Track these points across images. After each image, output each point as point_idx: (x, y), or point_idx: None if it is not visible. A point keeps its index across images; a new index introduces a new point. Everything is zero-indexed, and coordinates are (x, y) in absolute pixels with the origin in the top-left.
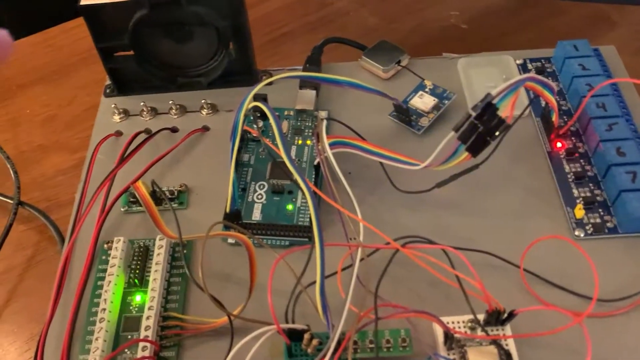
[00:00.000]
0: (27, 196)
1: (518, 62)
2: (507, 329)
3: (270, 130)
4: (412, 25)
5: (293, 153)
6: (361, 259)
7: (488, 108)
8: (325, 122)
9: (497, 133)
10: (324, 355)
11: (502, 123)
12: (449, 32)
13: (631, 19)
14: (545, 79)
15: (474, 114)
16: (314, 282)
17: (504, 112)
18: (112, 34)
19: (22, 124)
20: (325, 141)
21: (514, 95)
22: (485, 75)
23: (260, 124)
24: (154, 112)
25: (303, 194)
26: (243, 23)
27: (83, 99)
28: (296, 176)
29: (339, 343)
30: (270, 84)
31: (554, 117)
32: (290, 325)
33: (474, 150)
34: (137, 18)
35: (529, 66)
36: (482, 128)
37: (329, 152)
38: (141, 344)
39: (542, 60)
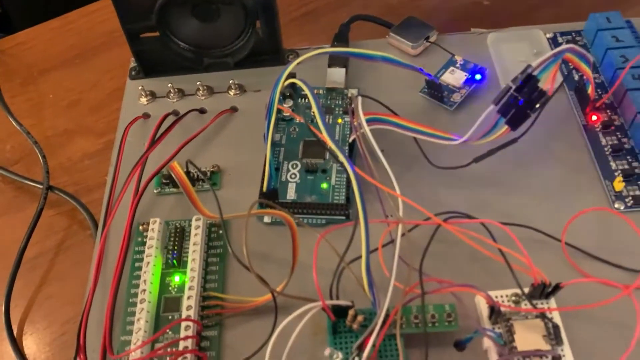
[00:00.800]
0: (55, 181)
1: (548, 35)
2: (552, 303)
3: (301, 109)
4: (435, 2)
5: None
6: (402, 235)
7: (528, 80)
8: (360, 98)
9: (537, 105)
10: (372, 330)
11: (543, 95)
12: (472, 9)
13: None
14: (584, 51)
15: (514, 86)
16: (356, 259)
17: (544, 83)
18: (139, 15)
19: (46, 108)
20: (362, 117)
21: (554, 66)
22: (515, 50)
23: (291, 102)
24: (181, 93)
25: (339, 172)
26: (271, 1)
27: (106, 82)
28: (340, 156)
29: (384, 320)
30: (298, 63)
31: (590, 90)
32: (335, 302)
33: (514, 124)
34: None
35: (560, 40)
36: (523, 100)
37: (367, 128)
38: (184, 324)
39: (573, 34)
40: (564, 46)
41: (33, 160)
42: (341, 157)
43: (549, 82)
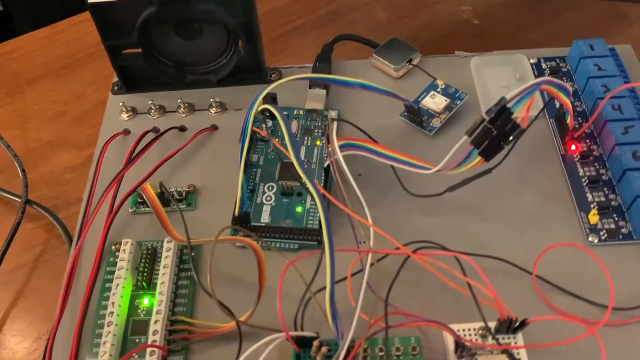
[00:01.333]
0: (35, 193)
1: (532, 61)
2: (519, 338)
3: (280, 130)
4: (423, 20)
5: (302, 154)
6: (371, 264)
7: (502, 112)
8: (335, 123)
9: (511, 138)
10: None
11: (517, 127)
12: (461, 28)
13: None
14: (561, 82)
15: (487, 118)
16: (324, 288)
17: (518, 116)
18: (120, 32)
19: (31, 119)
20: (336, 143)
21: (529, 99)
22: (498, 75)
23: (270, 123)
24: (162, 110)
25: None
26: (253, 21)
27: (91, 94)
28: (305, 180)
29: (348, 351)
30: (271, 89)
31: (569, 120)
32: (299, 333)
33: (487, 155)
34: (146, 15)
35: (543, 65)
36: (496, 132)
37: (339, 154)
38: (149, 349)
39: (557, 60)
40: (539, 79)
41: (14, 172)
42: (306, 181)
43: (522, 114)
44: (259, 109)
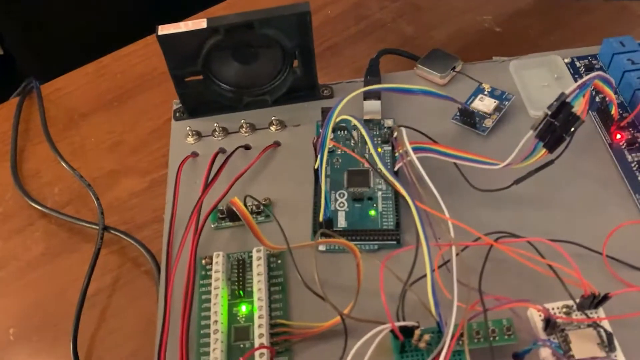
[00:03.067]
0: (105, 221)
1: (566, 60)
2: (601, 312)
3: (342, 140)
4: (448, 32)
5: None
6: (456, 254)
7: (563, 106)
8: (404, 129)
9: (572, 129)
10: (441, 348)
11: (577, 119)
12: (485, 37)
13: None
14: (608, 76)
15: (549, 112)
16: (414, 282)
17: (578, 109)
18: (185, 61)
19: (89, 151)
20: (409, 146)
21: (586, 93)
22: (537, 76)
23: (331, 135)
24: (225, 131)
25: (384, 198)
26: (309, 42)
27: (145, 123)
28: (400, 189)
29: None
30: (332, 97)
31: (614, 111)
32: (403, 323)
33: (551, 147)
34: (211, 44)
35: (577, 64)
36: (559, 125)
37: (414, 156)
38: (258, 352)
39: (589, 58)
40: (593, 74)
41: (82, 202)
42: (399, 188)
43: (581, 107)
44: (337, 120)
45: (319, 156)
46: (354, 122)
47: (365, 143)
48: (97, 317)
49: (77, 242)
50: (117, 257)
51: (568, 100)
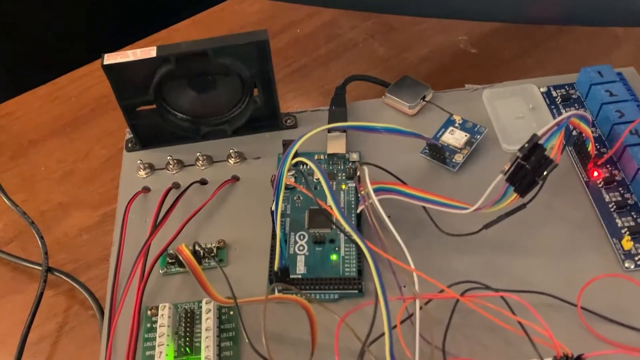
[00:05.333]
0: (52, 259)
1: (542, 89)
2: None
3: (302, 177)
4: (421, 53)
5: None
6: (420, 308)
7: (535, 148)
8: (366, 168)
9: (545, 173)
10: None
11: (550, 162)
12: (460, 58)
13: (637, 34)
14: (585, 114)
15: (520, 155)
16: (374, 340)
17: (551, 151)
18: (136, 90)
19: (39, 182)
20: (370, 188)
21: (560, 134)
22: (511, 106)
23: (292, 171)
24: (181, 164)
25: (347, 241)
26: (269, 71)
27: (99, 152)
28: (354, 236)
29: None
30: (295, 126)
31: (590, 147)
32: None
33: (523, 191)
34: (162, 73)
35: (554, 93)
36: (530, 169)
37: (375, 200)
38: None
39: (566, 87)
40: (568, 113)
41: (28, 238)
42: (358, 241)
43: (555, 149)
44: (293, 162)
45: (274, 198)
46: (309, 164)
47: (329, 180)
48: None
49: (22, 283)
50: (64, 299)
51: (541, 141)
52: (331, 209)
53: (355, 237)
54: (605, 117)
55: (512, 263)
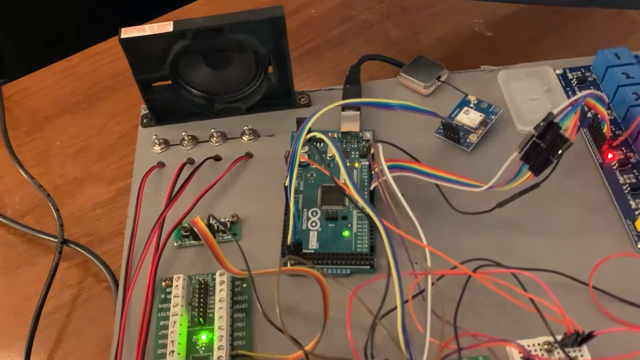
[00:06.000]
0: (66, 232)
1: (557, 72)
2: (584, 350)
3: (316, 154)
4: (436, 35)
5: (342, 178)
6: (432, 284)
7: (550, 127)
8: (380, 145)
9: (560, 152)
10: None
11: (565, 141)
12: (475, 41)
13: None
14: (601, 94)
15: (536, 133)
16: (387, 314)
17: (567, 130)
18: (152, 65)
19: (54, 156)
20: (385, 165)
21: (576, 113)
22: (526, 87)
23: (307, 148)
24: (195, 140)
25: (359, 218)
26: (284, 48)
27: (113, 127)
28: (368, 210)
29: None
30: (309, 105)
31: (606, 129)
32: None
33: (537, 170)
34: (178, 48)
35: (569, 76)
36: (545, 147)
37: (390, 177)
38: None
39: (582, 69)
40: (584, 92)
41: (44, 211)
42: (372, 215)
43: (570, 128)
44: (307, 137)
45: (288, 174)
46: (325, 139)
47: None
48: (54, 337)
49: (37, 255)
50: (78, 271)
51: (556, 120)
52: (345, 185)
53: (369, 211)
54: (621, 99)
55: (524, 242)
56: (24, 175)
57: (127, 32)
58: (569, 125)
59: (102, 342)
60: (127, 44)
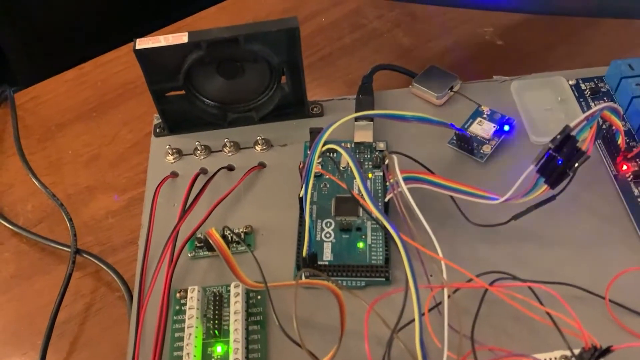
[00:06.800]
0: (80, 241)
1: (571, 82)
2: None
3: (330, 165)
4: (447, 43)
5: (356, 189)
6: (448, 296)
7: (567, 140)
8: (395, 157)
9: (576, 165)
10: None
11: (582, 155)
12: (486, 50)
13: None
14: (617, 106)
15: (552, 146)
16: (403, 327)
17: (583, 143)
18: (165, 76)
19: (66, 165)
20: (400, 177)
21: (592, 126)
22: (540, 98)
23: (320, 159)
24: (208, 150)
25: (374, 229)
26: (297, 58)
27: (125, 136)
28: (384, 223)
29: None
30: (322, 115)
31: (620, 140)
32: None
33: (553, 183)
34: (193, 59)
35: (583, 86)
36: (562, 160)
37: (405, 188)
38: None
39: (595, 80)
40: (602, 105)
41: (56, 220)
42: (388, 227)
43: (587, 141)
44: (323, 149)
45: (303, 185)
46: (341, 151)
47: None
48: (67, 347)
49: (50, 264)
50: (91, 280)
51: (573, 133)
52: (360, 195)
53: (384, 222)
54: (635, 110)
55: (539, 254)
56: (36, 183)
57: (142, 43)
58: (585, 138)
59: (115, 351)
60: (141, 54)
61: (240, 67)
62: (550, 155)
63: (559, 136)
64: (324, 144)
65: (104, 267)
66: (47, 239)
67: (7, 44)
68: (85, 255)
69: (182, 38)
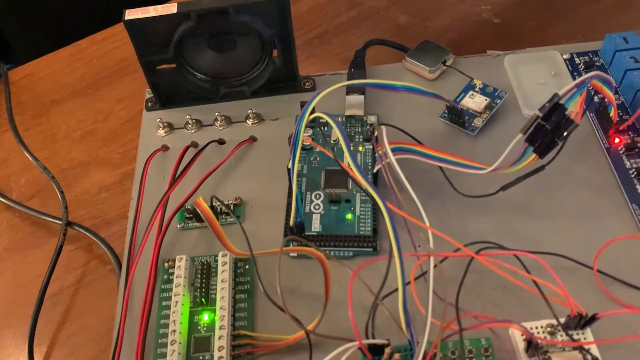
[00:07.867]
0: (72, 214)
1: (565, 56)
2: (588, 333)
3: (320, 137)
4: (444, 22)
5: (346, 161)
6: (434, 265)
7: (555, 108)
8: (384, 128)
9: (565, 133)
10: None
11: (571, 123)
12: (482, 28)
13: None
14: (608, 76)
15: (540, 114)
16: (388, 295)
17: (572, 111)
18: (156, 48)
19: (60, 141)
20: (388, 147)
21: (581, 94)
22: (533, 72)
23: (310, 131)
24: (199, 124)
25: (363, 201)
26: (288, 31)
27: (119, 112)
28: (370, 191)
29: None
30: (314, 89)
31: (612, 113)
32: (372, 341)
33: (542, 152)
34: (183, 30)
35: (577, 60)
36: (550, 129)
37: (393, 159)
38: None
39: (590, 54)
40: (590, 74)
41: (49, 194)
42: (375, 196)
43: (576, 109)
44: (311, 118)
45: (291, 155)
46: (326, 118)
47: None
48: (58, 318)
49: (42, 237)
50: (83, 253)
51: (561, 101)
52: (348, 166)
53: (371, 192)
54: (629, 83)
55: (528, 226)
56: (30, 158)
57: (131, 14)
58: (574, 107)
59: (106, 323)
60: (131, 25)
61: (232, 40)
62: (539, 124)
63: (547, 104)
64: (311, 114)
65: (96, 240)
66: (40, 212)
67: (4, 22)
68: (76, 228)
69: (172, 8)
